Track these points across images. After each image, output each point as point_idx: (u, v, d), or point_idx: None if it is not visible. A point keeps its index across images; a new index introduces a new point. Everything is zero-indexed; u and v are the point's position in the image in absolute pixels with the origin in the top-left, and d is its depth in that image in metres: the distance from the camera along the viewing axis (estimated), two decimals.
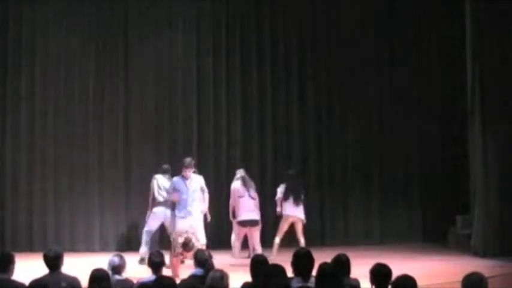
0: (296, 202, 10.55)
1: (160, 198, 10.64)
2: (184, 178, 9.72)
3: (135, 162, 12.38)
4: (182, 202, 9.67)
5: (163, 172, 10.84)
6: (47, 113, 12.40)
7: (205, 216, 9.93)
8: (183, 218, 9.61)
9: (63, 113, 12.42)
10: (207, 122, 12.69)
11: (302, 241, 10.43)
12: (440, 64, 13.10)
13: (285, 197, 10.56)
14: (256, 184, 11.19)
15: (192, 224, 9.44)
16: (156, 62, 12.69)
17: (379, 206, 12.86)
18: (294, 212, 10.55)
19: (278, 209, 10.62)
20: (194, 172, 9.82)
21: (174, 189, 9.65)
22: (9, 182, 12.26)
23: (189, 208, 9.62)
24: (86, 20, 12.58)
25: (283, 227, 10.60)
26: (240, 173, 10.83)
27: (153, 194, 10.68)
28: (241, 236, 10.51)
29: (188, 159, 9.90)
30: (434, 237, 12.46)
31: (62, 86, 12.45)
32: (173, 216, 9.60)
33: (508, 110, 10.86)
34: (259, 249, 10.32)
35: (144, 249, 10.60)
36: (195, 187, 9.76)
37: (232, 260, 10.37)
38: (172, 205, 9.96)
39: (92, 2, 12.64)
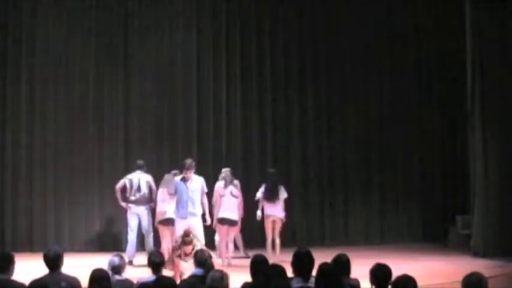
0: (273, 201, 10.48)
1: (132, 198, 10.66)
2: (185, 180, 9.73)
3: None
4: (182, 203, 9.67)
5: (138, 168, 10.84)
6: (47, 113, 12.40)
7: (204, 218, 9.89)
8: (182, 218, 9.62)
9: (63, 113, 12.42)
10: (207, 122, 12.69)
11: (277, 241, 10.43)
12: (440, 64, 13.10)
13: (264, 197, 10.51)
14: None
15: (191, 225, 9.43)
16: (156, 62, 12.69)
17: (379, 206, 12.86)
18: (272, 212, 10.50)
19: (258, 213, 10.53)
20: (194, 173, 9.83)
21: (175, 191, 9.79)
22: (9, 182, 12.25)
23: (188, 209, 9.62)
24: (86, 20, 12.58)
25: (268, 227, 10.56)
26: (225, 172, 10.68)
27: (120, 193, 10.71)
28: (223, 234, 10.42)
29: (189, 161, 9.89)
30: (434, 237, 12.46)
31: (62, 86, 12.45)
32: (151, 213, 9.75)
33: (508, 110, 10.86)
34: (230, 247, 10.35)
35: (131, 251, 10.64)
36: (194, 188, 9.76)
37: (232, 261, 10.33)
38: (148, 202, 10.19)
39: (92, 2, 12.63)
